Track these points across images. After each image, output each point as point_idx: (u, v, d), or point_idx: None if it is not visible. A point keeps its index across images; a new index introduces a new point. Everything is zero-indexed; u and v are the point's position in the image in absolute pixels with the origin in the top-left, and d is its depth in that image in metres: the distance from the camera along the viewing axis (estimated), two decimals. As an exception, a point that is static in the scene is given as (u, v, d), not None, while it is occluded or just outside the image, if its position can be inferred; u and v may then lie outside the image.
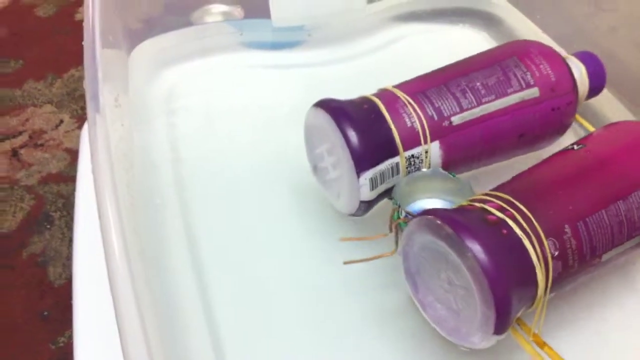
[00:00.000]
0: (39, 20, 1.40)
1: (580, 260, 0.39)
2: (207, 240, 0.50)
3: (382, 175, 0.44)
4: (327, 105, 0.44)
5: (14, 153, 1.09)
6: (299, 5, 0.68)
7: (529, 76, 0.47)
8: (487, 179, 0.47)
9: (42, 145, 1.10)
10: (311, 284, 0.47)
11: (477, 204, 0.39)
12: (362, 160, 0.43)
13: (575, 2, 0.66)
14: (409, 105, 0.45)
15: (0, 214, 0.98)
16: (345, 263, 0.45)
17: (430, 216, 0.37)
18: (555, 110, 0.48)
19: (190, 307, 0.45)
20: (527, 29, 0.69)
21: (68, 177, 1.04)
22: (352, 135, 0.42)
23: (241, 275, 0.48)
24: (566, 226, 0.38)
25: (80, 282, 0.48)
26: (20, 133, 1.12)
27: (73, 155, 1.08)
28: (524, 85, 0.47)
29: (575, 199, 0.40)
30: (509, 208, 0.38)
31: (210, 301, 0.46)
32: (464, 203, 0.40)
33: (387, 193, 0.45)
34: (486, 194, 0.40)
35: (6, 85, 1.21)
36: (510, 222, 0.37)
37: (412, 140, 0.44)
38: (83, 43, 0.47)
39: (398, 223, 0.42)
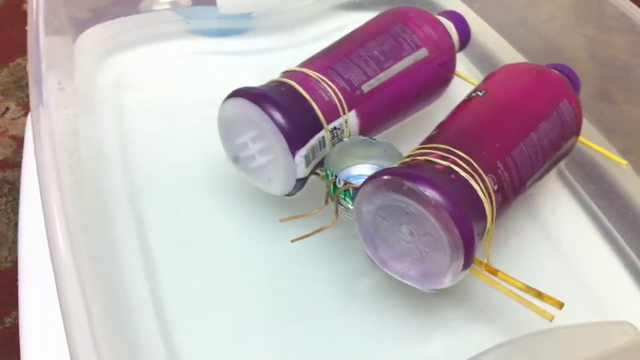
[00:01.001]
0: (-15, 10, 1.37)
1: (513, 190, 0.44)
2: (153, 223, 0.50)
3: (313, 150, 0.45)
4: (248, 94, 0.45)
5: (-40, 141, 1.07)
6: (244, -8, 0.68)
7: (416, 38, 0.51)
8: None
9: (-13, 132, 1.09)
10: (262, 263, 0.48)
11: (419, 158, 0.42)
12: (295, 139, 0.44)
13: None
14: (322, 82, 0.47)
15: (-54, 200, 0.97)
16: (293, 241, 0.46)
17: (386, 176, 0.39)
18: (442, 66, 0.53)
19: (136, 287, 0.46)
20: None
21: (14, 164, 1.03)
22: (281, 118, 0.44)
23: (189, 256, 0.49)
24: (498, 162, 0.43)
25: (26, 264, 0.49)
26: (-34, 120, 1.11)
27: (19, 142, 1.07)
28: (414, 48, 0.51)
29: (498, 137, 0.44)
30: (449, 155, 0.41)
31: (157, 281, 0.46)
32: (407, 159, 0.42)
33: (316, 168, 0.47)
34: (422, 148, 0.43)
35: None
36: (455, 168, 0.41)
37: (332, 113, 0.46)
38: (27, 28, 0.47)
39: (339, 193, 0.44)
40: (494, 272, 0.42)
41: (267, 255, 0.49)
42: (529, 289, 0.41)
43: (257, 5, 0.69)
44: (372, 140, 0.47)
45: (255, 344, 0.44)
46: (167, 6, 0.71)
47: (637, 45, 0.54)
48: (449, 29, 0.54)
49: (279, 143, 0.44)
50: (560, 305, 0.40)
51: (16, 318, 0.48)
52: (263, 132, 0.45)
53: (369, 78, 0.49)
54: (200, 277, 0.47)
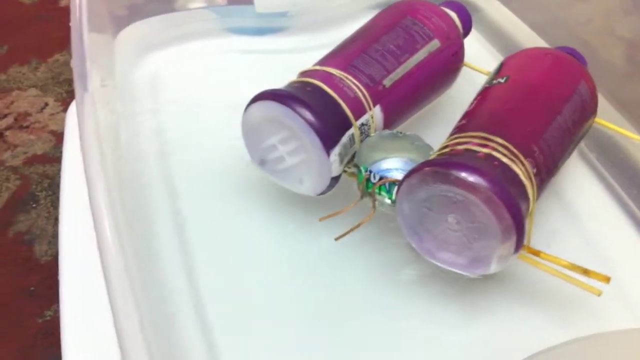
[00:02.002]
0: (23, 7, 1.39)
1: (547, 172, 0.44)
2: (191, 219, 0.51)
3: (345, 148, 0.46)
4: (276, 96, 0.45)
5: (0, 135, 1.09)
6: (282, -9, 0.69)
7: (427, 30, 0.52)
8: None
9: (27, 127, 1.10)
10: (299, 260, 0.49)
11: (459, 147, 0.42)
12: (328, 138, 0.44)
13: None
14: (345, 79, 0.47)
15: (-14, 193, 0.99)
16: (337, 239, 0.46)
17: (432, 167, 0.40)
18: (454, 55, 0.54)
19: (175, 283, 0.46)
20: (504, 17, 0.71)
21: (53, 159, 1.05)
22: (313, 118, 0.44)
23: (226, 254, 0.49)
24: (534, 146, 0.43)
25: (66, 258, 0.49)
26: (5, 115, 1.13)
27: (58, 137, 1.08)
28: (426, 39, 0.52)
29: (530, 122, 0.45)
30: (488, 142, 0.42)
31: (195, 277, 0.47)
32: (444, 150, 0.43)
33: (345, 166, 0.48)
34: (456, 138, 0.44)
35: (-9, 70, 1.22)
36: (496, 154, 0.41)
37: (359, 109, 0.47)
38: (70, 24, 0.48)
39: (376, 187, 0.45)
40: (537, 253, 0.43)
41: (303, 254, 0.49)
42: (574, 267, 0.42)
43: (293, 4, 0.69)
44: (399, 134, 0.48)
45: (298, 338, 0.45)
46: (203, 4, 0.71)
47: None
48: (454, 19, 0.55)
49: (313, 143, 0.44)
50: (607, 280, 0.41)
51: (56, 311, 0.49)
52: (294, 134, 0.45)
53: (389, 72, 0.49)
54: (239, 274, 0.48)
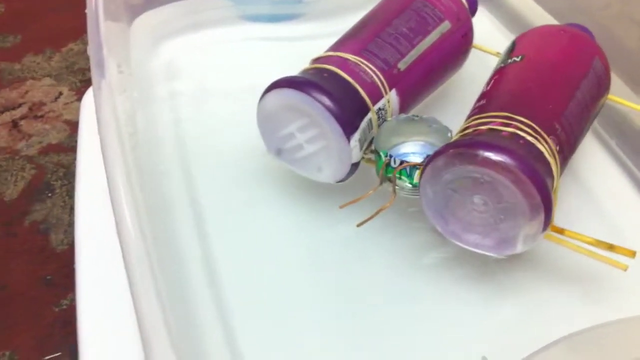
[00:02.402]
0: (37, -3, 1.40)
1: (569, 149, 0.44)
2: (210, 208, 0.51)
3: (364, 133, 0.46)
4: (294, 83, 0.45)
5: (14, 124, 1.10)
6: (297, -22, 0.69)
7: (438, 12, 0.52)
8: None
9: (42, 116, 1.11)
10: (320, 247, 0.49)
11: (482, 128, 0.42)
12: (348, 124, 0.44)
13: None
14: (361, 64, 0.47)
15: (2, 182, 0.99)
16: (358, 225, 0.46)
17: (458, 148, 0.40)
18: (465, 36, 0.54)
19: (194, 272, 0.46)
20: (522, 2, 0.70)
21: (68, 148, 1.05)
22: (332, 104, 0.44)
23: (244, 239, 0.49)
24: (556, 124, 0.43)
25: (83, 247, 0.49)
26: (20, 105, 1.13)
27: (72, 126, 1.09)
28: (438, 21, 0.52)
29: (551, 99, 0.45)
30: (510, 122, 0.42)
31: (214, 266, 0.47)
32: (468, 131, 0.43)
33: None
34: (478, 118, 0.43)
35: (6, 59, 1.22)
36: (521, 133, 0.41)
37: (375, 94, 0.47)
38: (86, 11, 0.48)
39: (396, 172, 0.44)
40: (561, 231, 0.43)
41: (324, 241, 0.49)
42: (599, 243, 0.42)
43: (309, -10, 0.69)
44: (415, 117, 0.48)
45: (321, 326, 0.44)
46: (217, -9, 0.71)
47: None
48: (462, 0, 0.55)
49: (333, 129, 0.44)
50: (633, 254, 0.41)
51: (72, 300, 0.49)
52: (313, 121, 0.45)
53: (403, 55, 0.49)
54: (258, 262, 0.48)
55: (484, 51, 0.58)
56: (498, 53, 0.56)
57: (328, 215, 0.50)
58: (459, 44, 0.54)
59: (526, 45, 0.51)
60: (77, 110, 0.61)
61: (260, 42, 0.68)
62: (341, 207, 0.47)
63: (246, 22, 0.70)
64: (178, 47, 0.67)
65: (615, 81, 0.55)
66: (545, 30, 0.53)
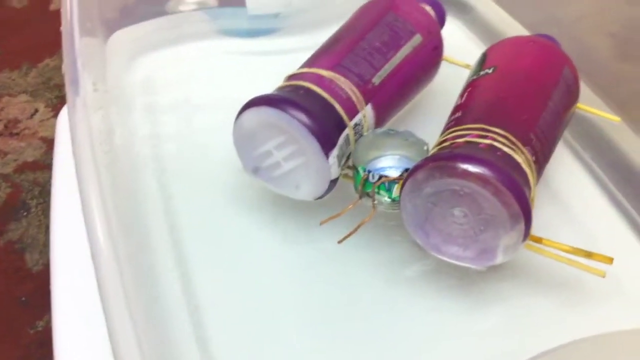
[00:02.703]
0: (14, 11, 1.39)
1: (544, 158, 0.45)
2: (186, 225, 0.50)
3: (342, 150, 0.45)
4: (271, 101, 0.44)
5: (-11, 143, 1.09)
6: (274, -8, 0.68)
7: (409, 25, 0.52)
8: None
9: (17, 134, 1.09)
10: (299, 264, 0.48)
11: (459, 140, 0.42)
12: (326, 141, 0.44)
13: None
14: (336, 80, 0.47)
15: (-24, 202, 0.98)
16: (340, 242, 0.46)
17: (438, 162, 0.40)
18: (436, 49, 0.54)
19: (171, 290, 0.46)
20: (497, 16, 0.70)
21: (44, 165, 1.04)
22: (310, 121, 0.43)
23: (223, 259, 0.49)
24: (531, 134, 0.44)
25: (58, 267, 0.49)
26: (-5, 123, 1.12)
27: (49, 143, 1.07)
28: (409, 35, 0.52)
29: (525, 110, 0.46)
30: (487, 134, 0.42)
31: (192, 284, 0.46)
32: (445, 144, 0.43)
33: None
34: (454, 131, 0.44)
35: (-19, 75, 1.21)
36: (497, 144, 0.42)
37: (351, 109, 0.47)
38: (61, 29, 0.48)
39: (377, 187, 0.44)
40: (539, 240, 0.43)
41: (303, 257, 0.49)
42: (577, 251, 0.43)
43: (285, 4, 0.69)
44: (391, 131, 0.48)
45: (302, 343, 0.44)
46: (194, 7, 0.71)
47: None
48: (431, 14, 0.55)
49: (311, 146, 0.44)
50: (611, 261, 0.42)
51: (48, 322, 0.48)
52: (291, 138, 0.44)
53: (377, 70, 0.49)
54: (236, 279, 0.48)
55: (455, 63, 0.58)
56: (468, 65, 0.57)
57: (307, 232, 0.50)
58: (431, 57, 0.54)
59: (497, 56, 0.51)
60: (54, 127, 0.61)
61: (238, 56, 0.68)
62: (322, 223, 0.47)
63: (224, 36, 0.70)
64: (156, 62, 0.67)
65: (588, 92, 0.56)
66: (515, 41, 0.54)
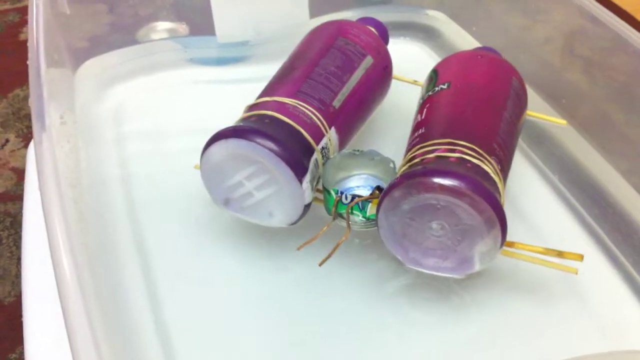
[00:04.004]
0: (-18, 41, 1.38)
1: (507, 166, 0.47)
2: (157, 255, 0.50)
3: (312, 174, 0.46)
4: (239, 132, 0.45)
5: (-40, 174, 1.07)
6: (243, 21, 0.69)
7: (359, 48, 0.54)
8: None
9: (-12, 165, 1.09)
10: (266, 292, 0.48)
11: (429, 156, 0.44)
12: (298, 167, 0.44)
13: (510, 14, 0.69)
14: (299, 106, 0.48)
15: (-53, 233, 0.96)
16: (320, 264, 0.46)
17: (414, 179, 0.41)
18: (385, 69, 0.56)
19: (142, 321, 0.45)
20: (464, 41, 0.71)
21: (15, 196, 1.03)
22: (281, 150, 0.44)
23: (193, 289, 0.48)
24: (494, 144, 0.45)
25: (30, 299, 0.48)
26: (-34, 154, 1.11)
27: (20, 174, 1.06)
28: (361, 57, 0.53)
29: (485, 122, 0.47)
30: (455, 147, 0.44)
31: (162, 314, 0.46)
32: (415, 160, 0.44)
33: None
34: (422, 147, 0.45)
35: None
36: (466, 157, 0.43)
37: (317, 134, 0.47)
38: (28, 62, 0.47)
39: (351, 207, 0.45)
40: (512, 244, 0.45)
41: (279, 283, 0.49)
42: (548, 251, 0.45)
43: (255, 33, 0.69)
44: (357, 152, 0.48)
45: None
46: (165, 35, 0.71)
47: (633, 65, 0.55)
48: (377, 35, 0.57)
49: (284, 174, 0.44)
50: (581, 258, 0.44)
51: (21, 354, 0.47)
52: (262, 167, 0.44)
53: (335, 94, 0.50)
54: (209, 311, 0.47)
55: (403, 80, 0.60)
56: (415, 81, 0.59)
57: (280, 257, 0.50)
58: (382, 77, 0.55)
59: (449, 72, 0.53)
60: (24, 157, 0.60)
61: (209, 85, 0.68)
62: (299, 248, 0.47)
63: (194, 65, 0.70)
64: (126, 92, 0.67)
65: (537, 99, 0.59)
66: (463, 56, 0.56)
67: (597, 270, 0.50)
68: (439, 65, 0.55)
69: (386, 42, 0.58)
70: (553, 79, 0.63)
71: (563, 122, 0.58)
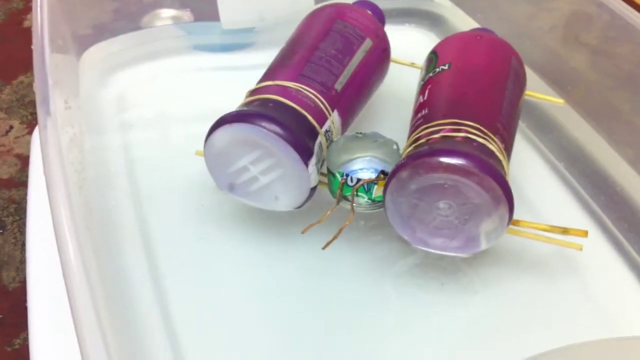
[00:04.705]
0: (-14, 28, 1.38)
1: (510, 146, 0.47)
2: (162, 241, 0.50)
3: (318, 157, 0.46)
4: (243, 117, 0.44)
5: (-36, 160, 1.07)
6: (248, 7, 0.68)
7: (359, 31, 0.54)
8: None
9: (-8, 151, 1.09)
10: (271, 276, 0.48)
11: (435, 136, 0.44)
12: (304, 150, 0.44)
13: (516, 2, 0.69)
14: (301, 90, 0.48)
15: (-49, 220, 0.97)
16: (324, 247, 0.46)
17: (421, 159, 0.42)
18: (384, 52, 0.56)
19: (146, 308, 0.45)
20: (469, 28, 0.71)
21: (19, 183, 1.03)
22: (286, 133, 0.44)
23: (197, 275, 0.49)
24: (497, 124, 0.46)
25: (35, 284, 0.48)
26: (-31, 140, 1.11)
27: (24, 160, 1.06)
28: (360, 40, 0.53)
29: (488, 102, 0.48)
30: (460, 127, 0.44)
31: (167, 302, 0.46)
32: (421, 141, 0.44)
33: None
34: (426, 128, 0.45)
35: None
36: (472, 136, 0.43)
37: (321, 117, 0.47)
38: (32, 47, 0.47)
39: (356, 189, 0.45)
40: (517, 222, 0.46)
41: (286, 267, 0.49)
42: (553, 228, 0.45)
43: (259, 19, 0.69)
44: (359, 134, 0.48)
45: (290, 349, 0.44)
46: (169, 22, 0.71)
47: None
48: (375, 18, 0.57)
49: (290, 157, 0.44)
50: (586, 234, 0.45)
51: (25, 340, 0.48)
52: (268, 151, 0.44)
53: (337, 77, 0.50)
54: (214, 298, 0.47)
55: (400, 63, 0.60)
56: (412, 63, 0.59)
57: (284, 242, 0.50)
58: (381, 59, 0.55)
59: (449, 53, 0.53)
60: (29, 143, 0.60)
61: (213, 71, 0.68)
62: (303, 232, 0.47)
63: (198, 52, 0.70)
64: (130, 78, 0.67)
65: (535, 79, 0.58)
66: (462, 37, 0.56)
67: (601, 256, 0.51)
68: (437, 46, 0.55)
69: (383, 25, 0.58)
70: (558, 67, 0.62)
71: (560, 101, 0.59)
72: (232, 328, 0.45)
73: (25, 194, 0.56)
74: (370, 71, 0.54)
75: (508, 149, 0.46)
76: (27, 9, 1.44)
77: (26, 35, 0.49)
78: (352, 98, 0.51)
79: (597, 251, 0.51)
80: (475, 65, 0.51)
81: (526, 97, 0.54)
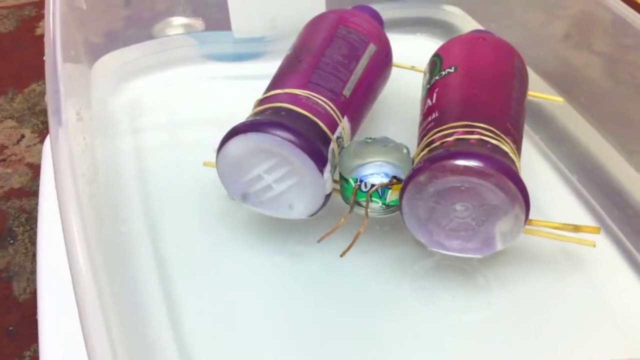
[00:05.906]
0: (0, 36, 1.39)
1: (520, 144, 0.48)
2: (173, 252, 0.50)
3: (331, 164, 0.46)
4: (258, 126, 0.44)
5: (-25, 169, 1.08)
6: (260, 15, 0.68)
7: (362, 36, 0.54)
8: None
9: (3, 160, 1.09)
10: (283, 285, 0.48)
11: (449, 139, 0.44)
12: (319, 157, 0.44)
13: (528, 9, 0.68)
14: (311, 97, 0.47)
15: (-38, 230, 0.97)
16: (342, 255, 0.46)
17: (438, 163, 0.42)
18: (387, 56, 0.56)
19: (157, 319, 0.45)
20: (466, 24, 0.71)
21: (30, 192, 1.03)
22: (301, 141, 0.44)
23: (210, 283, 0.48)
24: (508, 124, 0.46)
25: (45, 296, 0.48)
26: (-19, 149, 1.11)
27: (35, 170, 1.07)
28: (365, 45, 0.53)
29: (497, 103, 0.48)
30: (472, 129, 0.44)
31: (178, 312, 0.46)
32: (435, 144, 0.44)
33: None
34: (439, 131, 0.45)
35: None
36: (485, 138, 0.44)
37: (332, 123, 0.47)
38: (44, 57, 0.47)
39: (371, 194, 0.45)
40: (530, 221, 0.45)
41: (299, 275, 0.49)
42: (565, 226, 0.46)
43: (271, 28, 0.69)
44: (369, 139, 0.48)
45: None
46: (181, 30, 0.71)
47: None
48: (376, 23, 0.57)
49: (306, 165, 0.44)
50: (598, 230, 0.46)
51: (36, 351, 0.47)
52: (283, 160, 0.44)
53: (345, 83, 0.50)
54: (224, 307, 0.47)
55: (401, 67, 0.60)
56: (413, 67, 0.60)
57: (296, 250, 0.50)
58: (384, 64, 0.56)
59: (454, 56, 0.53)
60: (40, 152, 0.60)
61: (225, 80, 0.68)
62: (319, 240, 0.47)
63: (210, 61, 0.70)
64: (142, 87, 0.67)
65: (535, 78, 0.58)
66: (464, 39, 0.56)
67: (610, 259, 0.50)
68: (440, 49, 0.55)
69: (382, 27, 0.58)
70: (571, 75, 0.62)
71: (560, 99, 0.59)
72: (245, 337, 0.45)
73: (37, 204, 0.56)
74: (376, 76, 0.54)
75: (519, 148, 0.47)
76: (40, 16, 1.45)
77: (38, 43, 0.49)
78: (360, 103, 0.52)
79: (606, 253, 0.51)
80: (482, 67, 0.51)
81: (529, 98, 0.54)
